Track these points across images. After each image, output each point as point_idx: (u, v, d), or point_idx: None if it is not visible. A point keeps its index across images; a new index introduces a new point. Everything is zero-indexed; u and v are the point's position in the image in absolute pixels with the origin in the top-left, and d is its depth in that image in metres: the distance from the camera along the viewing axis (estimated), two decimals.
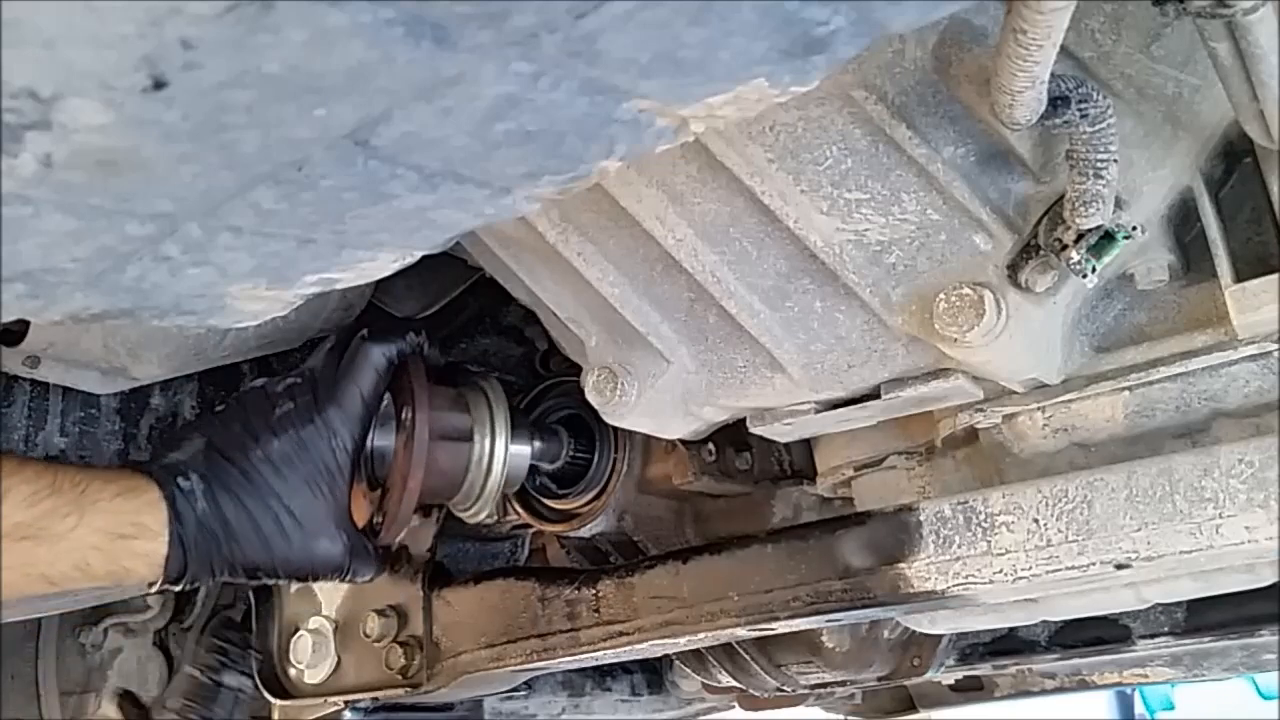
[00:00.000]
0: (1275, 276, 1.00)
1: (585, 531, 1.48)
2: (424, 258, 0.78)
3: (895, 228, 1.03)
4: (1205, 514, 1.01)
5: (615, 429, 1.44)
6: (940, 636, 1.61)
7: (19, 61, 0.47)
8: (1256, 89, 0.88)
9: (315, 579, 1.22)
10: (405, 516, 1.30)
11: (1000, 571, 1.10)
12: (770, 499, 1.50)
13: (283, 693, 1.63)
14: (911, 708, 2.14)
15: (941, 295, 1.00)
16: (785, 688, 1.80)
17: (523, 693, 1.84)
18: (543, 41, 0.53)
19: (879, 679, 1.71)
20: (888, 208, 1.02)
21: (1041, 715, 2.50)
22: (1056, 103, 0.88)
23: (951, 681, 2.01)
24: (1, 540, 0.97)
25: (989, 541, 1.11)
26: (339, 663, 1.59)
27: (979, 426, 1.18)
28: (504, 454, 1.38)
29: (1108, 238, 0.95)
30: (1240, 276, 1.02)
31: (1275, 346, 1.04)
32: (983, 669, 1.76)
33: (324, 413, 1.20)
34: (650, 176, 1.09)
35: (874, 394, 1.13)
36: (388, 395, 1.30)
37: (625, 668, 2.05)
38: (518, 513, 1.52)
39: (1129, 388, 1.11)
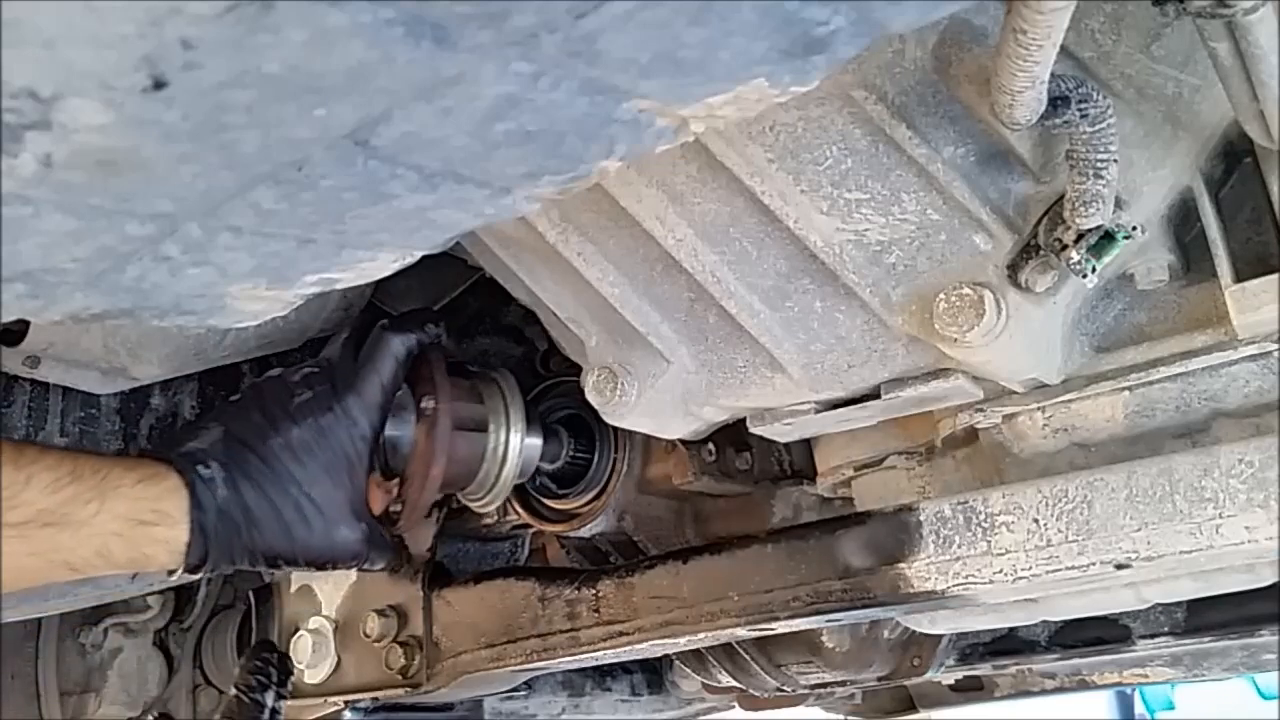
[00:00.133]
0: (1275, 276, 1.00)
1: (585, 531, 1.48)
2: (424, 258, 0.78)
3: (895, 228, 1.03)
4: (1205, 514, 1.01)
5: (615, 429, 1.44)
6: (940, 636, 1.61)
7: (19, 61, 0.47)
8: (1256, 89, 0.88)
9: (333, 567, 1.22)
10: (426, 505, 1.31)
11: (1000, 571, 1.10)
12: (770, 499, 1.50)
13: None
14: (911, 708, 2.14)
15: (941, 295, 1.00)
16: (785, 688, 1.80)
17: (523, 693, 1.84)
18: (543, 41, 0.53)
19: (879, 679, 1.71)
20: (888, 208, 1.02)
21: (1041, 715, 2.50)
22: (1056, 103, 0.88)
23: (951, 681, 2.01)
24: (27, 527, 0.97)
25: (989, 541, 1.11)
26: (339, 663, 1.59)
27: (979, 426, 1.18)
28: (519, 445, 1.39)
29: (1108, 238, 0.95)
30: (1240, 276, 1.02)
31: (1275, 346, 1.04)
32: (983, 669, 1.76)
33: (343, 401, 1.21)
34: (650, 176, 1.09)
35: (874, 394, 1.13)
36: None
37: (625, 668, 2.05)
38: (518, 513, 1.52)
39: (1129, 388, 1.11)
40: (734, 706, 2.14)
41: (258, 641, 1.57)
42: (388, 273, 0.79)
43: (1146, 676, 1.83)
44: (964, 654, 1.67)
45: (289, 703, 1.61)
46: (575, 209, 1.15)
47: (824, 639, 1.69)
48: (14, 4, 0.44)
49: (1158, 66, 1.00)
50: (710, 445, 1.42)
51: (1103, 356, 1.12)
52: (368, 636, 1.55)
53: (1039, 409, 1.15)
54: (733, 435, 1.39)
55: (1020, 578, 1.09)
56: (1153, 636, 1.53)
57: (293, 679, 1.53)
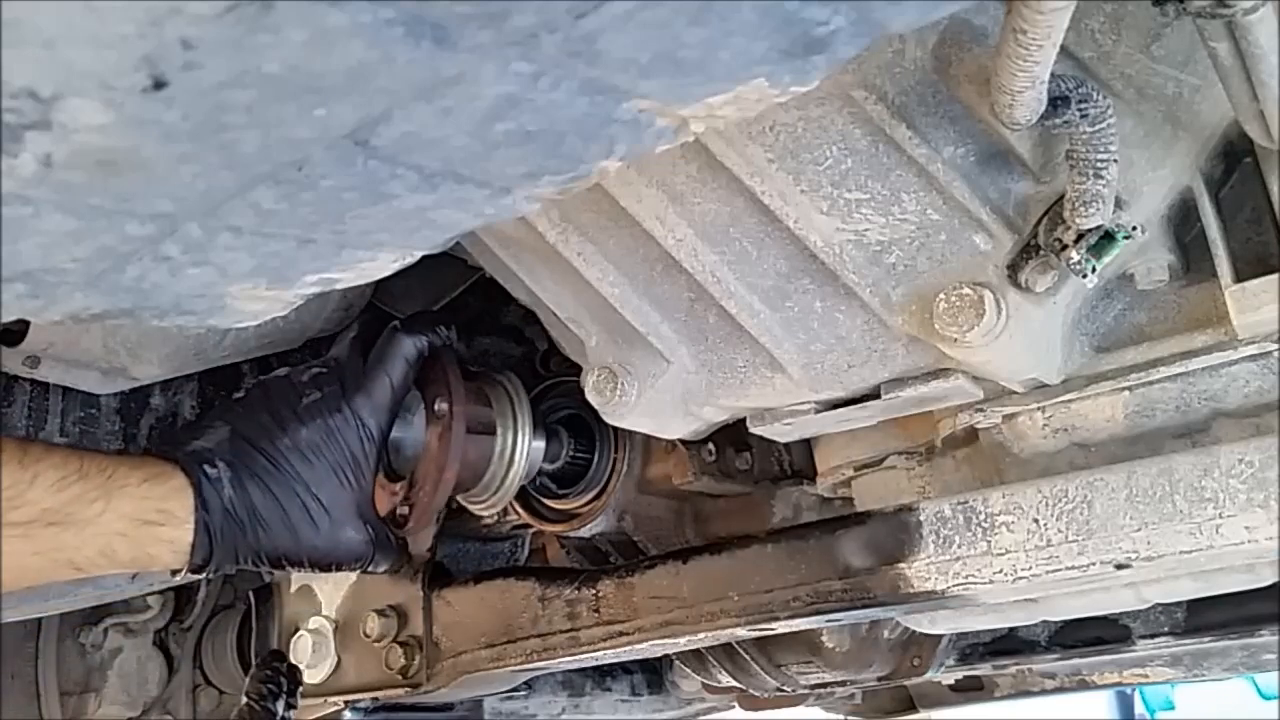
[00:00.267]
0: (1275, 276, 1.00)
1: (585, 531, 1.48)
2: (424, 258, 0.78)
3: (895, 228, 1.03)
4: (1205, 514, 1.01)
5: (615, 429, 1.44)
6: (940, 636, 1.61)
7: (19, 61, 0.47)
8: (1256, 89, 0.88)
9: (338, 568, 1.22)
10: (437, 508, 1.32)
11: (1000, 571, 1.10)
12: (770, 499, 1.50)
13: None
14: (911, 708, 2.14)
15: (941, 295, 1.00)
16: (785, 688, 1.80)
17: (523, 693, 1.84)
18: (543, 41, 0.53)
19: (879, 679, 1.71)
20: (888, 208, 1.02)
21: (1041, 715, 2.50)
22: (1056, 103, 0.88)
23: (951, 681, 2.01)
24: (31, 526, 0.97)
25: (989, 541, 1.11)
26: (339, 663, 1.59)
27: (979, 426, 1.18)
28: (526, 448, 1.39)
29: (1108, 238, 0.95)
30: (1240, 276, 1.02)
31: (1275, 346, 1.04)
32: (983, 669, 1.76)
33: (352, 402, 1.21)
34: (650, 176, 1.09)
35: (874, 394, 1.13)
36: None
37: (625, 668, 2.05)
38: (518, 513, 1.52)
39: (1129, 388, 1.11)
40: (734, 706, 2.14)
41: (269, 651, 1.57)
42: (388, 273, 0.78)
43: (1146, 676, 1.83)
44: (964, 654, 1.67)
45: None
46: (575, 209, 1.15)
47: (824, 639, 1.69)
48: (14, 4, 0.44)
49: (1158, 66, 1.00)
50: (710, 445, 1.42)
51: (1103, 356, 1.12)
52: (368, 636, 1.55)
53: (1039, 409, 1.15)
54: (733, 435, 1.39)
55: (1020, 578, 1.09)
56: (1153, 636, 1.53)
57: (300, 688, 1.54)
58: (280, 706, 1.48)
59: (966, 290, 0.99)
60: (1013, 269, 1.00)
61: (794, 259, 1.09)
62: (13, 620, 1.58)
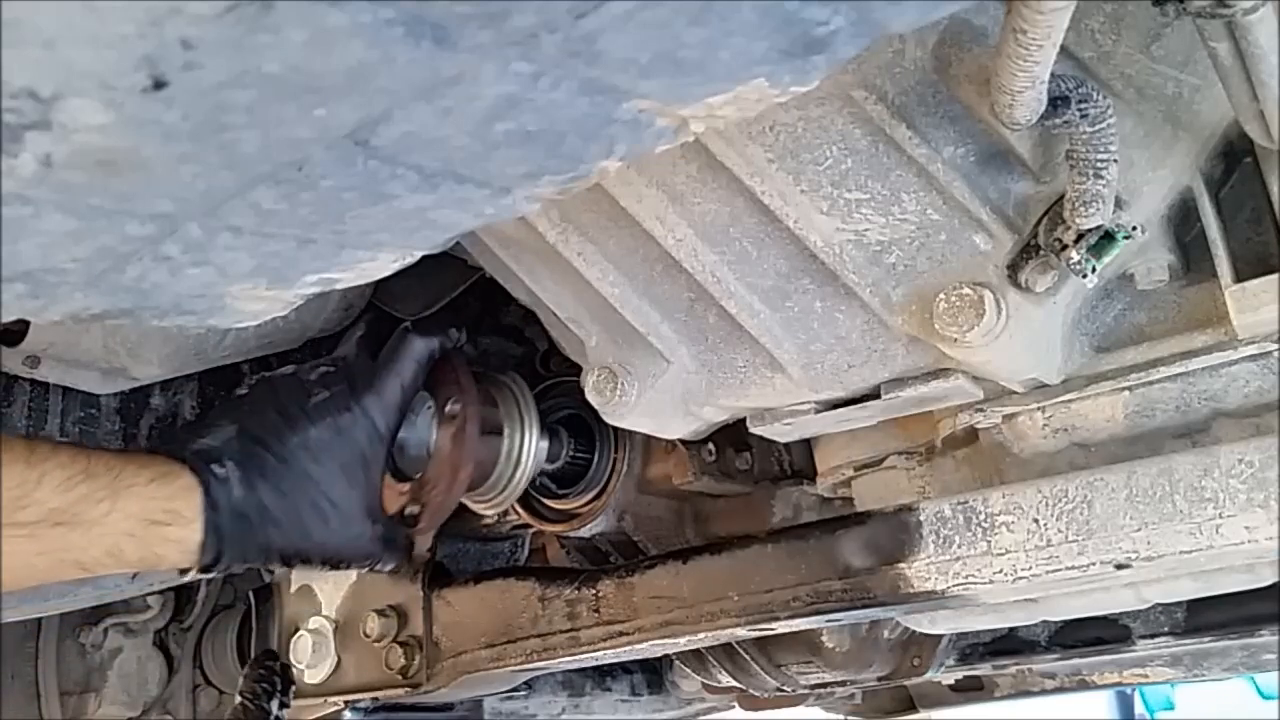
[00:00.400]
0: (1275, 276, 1.00)
1: (585, 531, 1.48)
2: (424, 258, 0.78)
3: (895, 228, 1.03)
4: (1205, 514, 1.01)
5: (615, 429, 1.44)
6: (940, 636, 1.61)
7: (19, 61, 0.47)
8: (1256, 89, 0.88)
9: (347, 566, 1.22)
10: (450, 508, 1.32)
11: (1000, 571, 1.10)
12: (770, 499, 1.50)
13: None
14: (911, 708, 2.14)
15: (941, 295, 1.00)
16: (785, 688, 1.80)
17: (523, 693, 1.84)
18: (543, 41, 0.53)
19: (879, 679, 1.71)
20: (888, 208, 1.02)
21: (1041, 715, 2.50)
22: (1056, 103, 0.88)
23: (951, 681, 2.01)
24: (38, 526, 0.97)
25: (989, 541, 1.11)
26: (339, 663, 1.59)
27: (979, 426, 1.18)
28: (532, 449, 1.40)
29: (1108, 238, 0.95)
30: (1240, 276, 1.02)
31: (1275, 346, 1.04)
32: (983, 669, 1.76)
33: (361, 400, 1.21)
34: (650, 176, 1.09)
35: (874, 394, 1.13)
36: None
37: (625, 668, 2.05)
38: (518, 513, 1.52)
39: (1129, 388, 1.11)
40: (734, 706, 2.14)
41: (261, 651, 1.57)
42: (388, 273, 0.79)
43: (1146, 676, 1.83)
44: (964, 654, 1.67)
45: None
46: (575, 209, 1.15)
47: (824, 639, 1.69)
48: (14, 4, 0.44)
49: (1158, 66, 1.00)
50: (710, 445, 1.42)
51: (1103, 356, 1.12)
52: (368, 636, 1.55)
53: (1039, 409, 1.15)
54: (733, 435, 1.39)
55: (1020, 578, 1.09)
56: (1153, 636, 1.53)
57: (294, 688, 1.54)
58: (274, 705, 1.48)
59: (966, 290, 0.99)
60: (1013, 269, 1.00)
61: (794, 259, 1.09)
62: (13, 620, 1.58)
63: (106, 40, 0.46)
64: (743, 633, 1.29)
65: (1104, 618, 1.52)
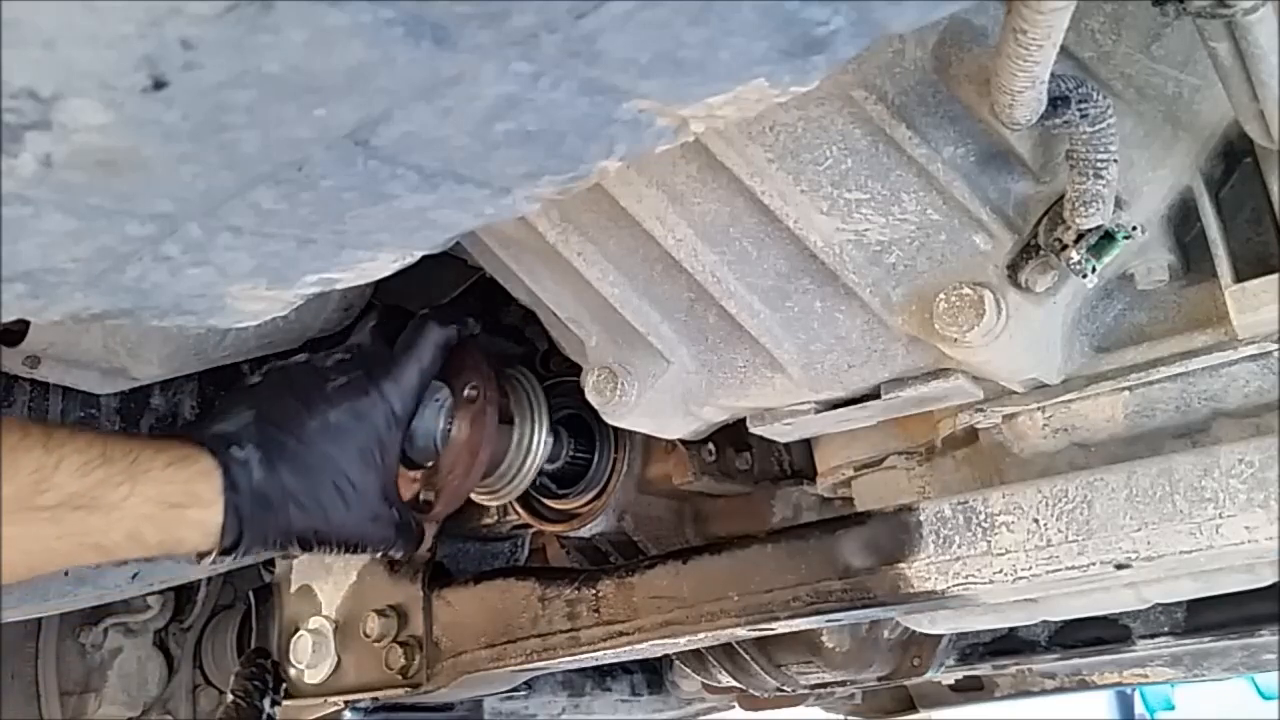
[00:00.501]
0: (1275, 276, 1.00)
1: (585, 531, 1.48)
2: (424, 258, 0.78)
3: (895, 228, 1.03)
4: (1205, 514, 1.01)
5: (615, 429, 1.44)
6: (940, 636, 1.61)
7: (19, 61, 0.47)
8: (1256, 89, 0.88)
9: (362, 550, 1.23)
10: (466, 492, 1.34)
11: (1000, 571, 1.10)
12: (770, 499, 1.50)
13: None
14: (911, 708, 2.14)
15: (941, 295, 1.00)
16: (785, 688, 1.80)
17: (523, 693, 1.84)
18: (543, 41, 0.53)
19: (879, 679, 1.71)
20: (888, 208, 1.02)
21: (1041, 715, 2.50)
22: (1056, 103, 0.88)
23: (951, 681, 2.01)
24: (58, 510, 0.97)
25: (989, 541, 1.11)
26: (339, 663, 1.59)
27: (979, 426, 1.18)
28: (542, 440, 1.41)
29: (1108, 238, 0.95)
30: (1240, 276, 1.02)
31: (1275, 346, 1.04)
32: (983, 669, 1.76)
33: (379, 385, 1.22)
34: (650, 176, 1.09)
35: (874, 394, 1.13)
36: None
37: (625, 668, 2.05)
38: (518, 513, 1.52)
39: (1129, 388, 1.11)
40: (734, 706, 2.14)
41: (252, 649, 1.57)
42: (388, 273, 0.79)
43: (1146, 676, 1.83)
44: (964, 654, 1.67)
45: (290, 702, 1.61)
46: (575, 209, 1.15)
47: (824, 639, 1.69)
48: (14, 4, 0.44)
49: (1158, 66, 1.00)
50: (710, 445, 1.42)
51: (1103, 356, 1.12)
52: (368, 636, 1.55)
53: (1039, 409, 1.15)
54: (733, 435, 1.39)
55: (1020, 578, 1.09)
56: (1153, 636, 1.53)
57: (285, 686, 1.54)
58: (266, 703, 1.48)
59: (966, 290, 0.99)
60: (1013, 269, 1.00)
61: (794, 259, 1.09)
62: (13, 620, 1.58)
63: (106, 40, 0.46)
64: (743, 633, 1.29)
65: (1104, 618, 1.52)
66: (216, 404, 1.22)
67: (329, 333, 1.49)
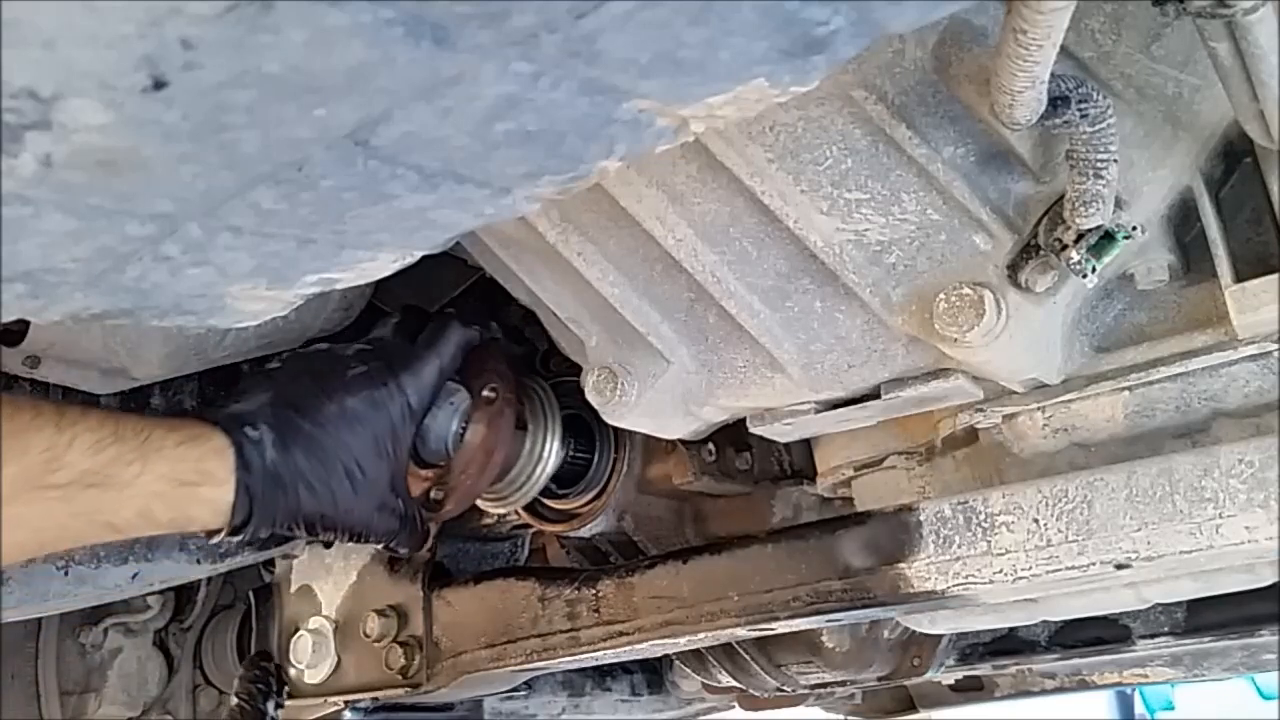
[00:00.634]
0: (1275, 276, 1.00)
1: (585, 531, 1.48)
2: (424, 258, 0.78)
3: (895, 228, 1.03)
4: (1205, 514, 1.01)
5: (615, 429, 1.44)
6: (940, 636, 1.61)
7: (19, 61, 0.47)
8: (1256, 89, 0.88)
9: (366, 539, 1.23)
10: (478, 491, 1.35)
11: (1000, 571, 1.10)
12: (770, 499, 1.50)
13: None
14: (911, 708, 2.14)
15: (941, 295, 1.00)
16: (785, 688, 1.80)
17: (523, 693, 1.84)
18: (543, 41, 0.53)
19: (879, 679, 1.71)
20: (888, 208, 1.02)
21: (1041, 715, 2.50)
22: (1056, 103, 0.88)
23: (951, 681, 2.01)
24: (70, 488, 0.97)
25: (989, 541, 1.11)
26: (339, 663, 1.59)
27: (979, 426, 1.18)
28: (554, 449, 1.42)
29: (1108, 238, 0.95)
30: (1240, 276, 1.02)
31: (1275, 346, 1.04)
32: (983, 669, 1.76)
33: (398, 378, 1.23)
34: (650, 176, 1.09)
35: (874, 394, 1.13)
36: None
37: (625, 668, 2.05)
38: (518, 513, 1.52)
39: (1129, 388, 1.11)
40: (734, 706, 2.14)
41: (256, 652, 1.58)
42: (388, 273, 0.79)
43: (1146, 676, 1.83)
44: (964, 654, 1.67)
45: (290, 702, 1.61)
46: (575, 209, 1.15)
47: (824, 639, 1.69)
48: (14, 4, 0.44)
49: (1158, 66, 1.00)
50: (710, 445, 1.42)
51: (1103, 356, 1.12)
52: (368, 636, 1.55)
53: (1039, 409, 1.15)
54: (733, 435, 1.39)
55: (1020, 578, 1.09)
56: (1153, 636, 1.53)
57: (288, 688, 1.55)
58: (270, 706, 1.48)
59: (966, 290, 0.99)
60: (1013, 269, 1.00)
61: (794, 259, 1.09)
62: (13, 620, 1.58)
63: (106, 40, 0.46)
64: (743, 633, 1.29)
65: (1104, 618, 1.52)
66: (235, 386, 1.23)
67: (329, 333, 1.49)
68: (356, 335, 1.41)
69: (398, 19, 0.49)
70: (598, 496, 1.48)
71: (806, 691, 1.87)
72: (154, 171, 0.57)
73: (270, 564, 1.75)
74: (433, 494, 1.32)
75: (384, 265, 0.77)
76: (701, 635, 1.30)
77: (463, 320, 1.32)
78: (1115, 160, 0.92)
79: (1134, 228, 0.97)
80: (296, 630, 1.62)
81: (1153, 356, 1.09)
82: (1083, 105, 0.89)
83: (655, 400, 1.21)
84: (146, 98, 0.50)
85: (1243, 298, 1.01)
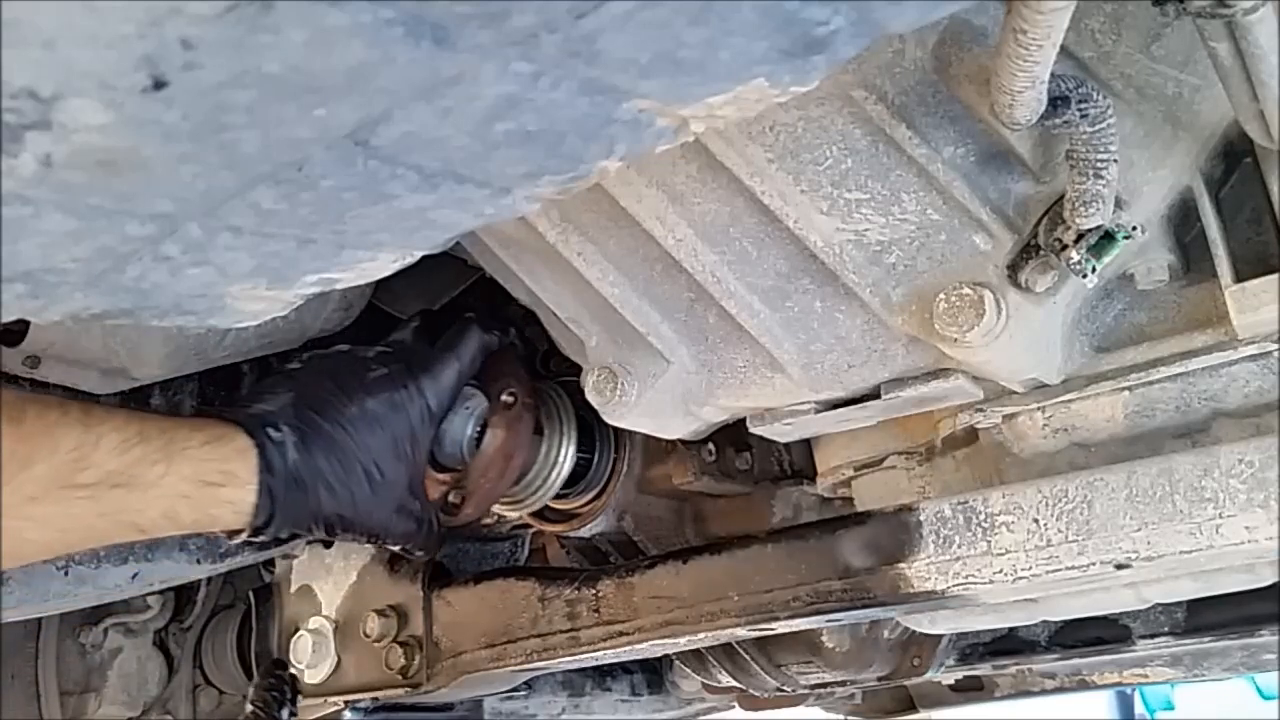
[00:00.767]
0: (1275, 276, 1.00)
1: (585, 531, 1.48)
2: (424, 258, 0.78)
3: (895, 228, 1.03)
4: (1205, 514, 1.00)
5: (615, 429, 1.44)
6: (940, 636, 1.61)
7: (19, 61, 0.47)
8: (1256, 89, 0.88)
9: (383, 540, 1.25)
10: (498, 495, 1.36)
11: (1000, 571, 1.10)
12: (770, 499, 1.50)
13: None
14: (911, 708, 2.14)
15: (941, 295, 1.00)
16: (785, 688, 1.80)
17: (523, 693, 1.84)
18: (543, 41, 0.53)
19: (879, 679, 1.71)
20: (888, 208, 1.02)
21: (1041, 715, 2.50)
22: (1056, 103, 0.88)
23: (951, 681, 2.01)
24: (97, 488, 0.98)
25: (989, 541, 1.11)
26: (339, 663, 1.59)
27: (979, 426, 1.18)
28: (568, 455, 1.42)
29: (1108, 238, 0.95)
30: (1240, 276, 1.02)
31: (1275, 346, 1.04)
32: (983, 669, 1.76)
33: (418, 380, 1.24)
34: (650, 176, 1.09)
35: (874, 394, 1.13)
36: None
37: (625, 668, 2.05)
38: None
39: (1129, 388, 1.11)
40: (734, 706, 2.13)
41: (270, 660, 1.58)
42: (388, 273, 0.79)
43: (1146, 676, 1.83)
44: (964, 654, 1.67)
45: None
46: (575, 209, 1.15)
47: (824, 639, 1.69)
48: (14, 4, 0.44)
49: (1158, 66, 1.00)
50: (710, 445, 1.42)
51: (1103, 356, 1.12)
52: (368, 636, 1.55)
53: (1039, 409, 1.15)
54: (733, 435, 1.39)
55: (1020, 578, 1.09)
56: (1153, 636, 1.53)
57: (300, 695, 1.55)
58: (284, 714, 1.49)
59: (966, 290, 0.99)
60: (1013, 269, 1.00)
61: (794, 259, 1.09)
62: (13, 620, 1.58)
63: (106, 40, 0.46)
64: (743, 633, 1.29)
65: (1104, 618, 1.52)
66: (255, 385, 1.24)
67: (329, 333, 1.49)
68: (356, 335, 1.41)
69: (398, 19, 0.49)
70: (598, 496, 1.48)
71: (806, 691, 1.87)
72: (154, 171, 0.57)
73: (270, 564, 1.75)
74: (451, 497, 1.33)
75: (384, 265, 0.77)
76: (701, 635, 1.30)
77: (483, 324, 1.33)
78: (1115, 160, 0.92)
79: (1134, 228, 0.97)
80: (296, 630, 1.62)
81: (1153, 356, 1.09)
82: (1083, 105, 0.89)
83: (655, 400, 1.21)
84: (146, 98, 0.50)
85: (1243, 298, 1.01)
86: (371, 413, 1.19)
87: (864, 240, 1.04)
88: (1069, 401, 1.13)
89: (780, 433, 1.23)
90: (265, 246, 0.69)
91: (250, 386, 1.55)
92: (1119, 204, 0.98)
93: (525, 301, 1.32)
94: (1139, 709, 6.03)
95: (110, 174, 0.56)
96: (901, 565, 1.15)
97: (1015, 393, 1.14)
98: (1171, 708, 6.07)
